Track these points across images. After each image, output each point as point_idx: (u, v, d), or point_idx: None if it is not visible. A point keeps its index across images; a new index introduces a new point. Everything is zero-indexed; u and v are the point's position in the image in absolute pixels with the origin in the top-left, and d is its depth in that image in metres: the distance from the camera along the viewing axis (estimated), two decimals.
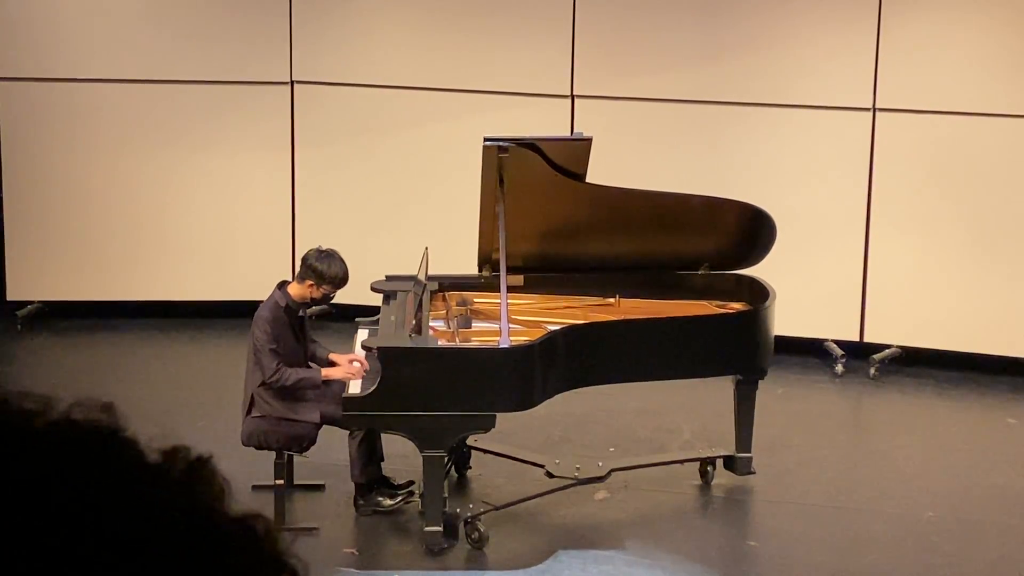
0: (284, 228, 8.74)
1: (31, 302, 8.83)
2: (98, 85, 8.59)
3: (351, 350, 6.30)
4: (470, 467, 6.66)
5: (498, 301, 5.95)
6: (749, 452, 6.54)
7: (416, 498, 6.19)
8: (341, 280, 6.01)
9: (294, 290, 6.03)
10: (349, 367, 6.01)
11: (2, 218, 8.79)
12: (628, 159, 8.12)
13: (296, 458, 6.29)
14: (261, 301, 6.10)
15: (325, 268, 5.96)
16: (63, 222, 8.73)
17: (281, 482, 6.02)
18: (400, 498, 6.23)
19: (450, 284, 6.64)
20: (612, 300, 6.60)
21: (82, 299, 8.80)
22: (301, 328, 6.10)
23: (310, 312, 6.42)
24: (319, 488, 6.44)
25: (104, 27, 8.56)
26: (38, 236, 8.75)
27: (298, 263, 6.27)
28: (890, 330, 8.23)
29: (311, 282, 5.97)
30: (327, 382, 6.10)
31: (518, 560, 5.85)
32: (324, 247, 6.08)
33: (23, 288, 8.81)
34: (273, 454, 6.00)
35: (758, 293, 6.55)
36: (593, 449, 6.91)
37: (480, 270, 6.58)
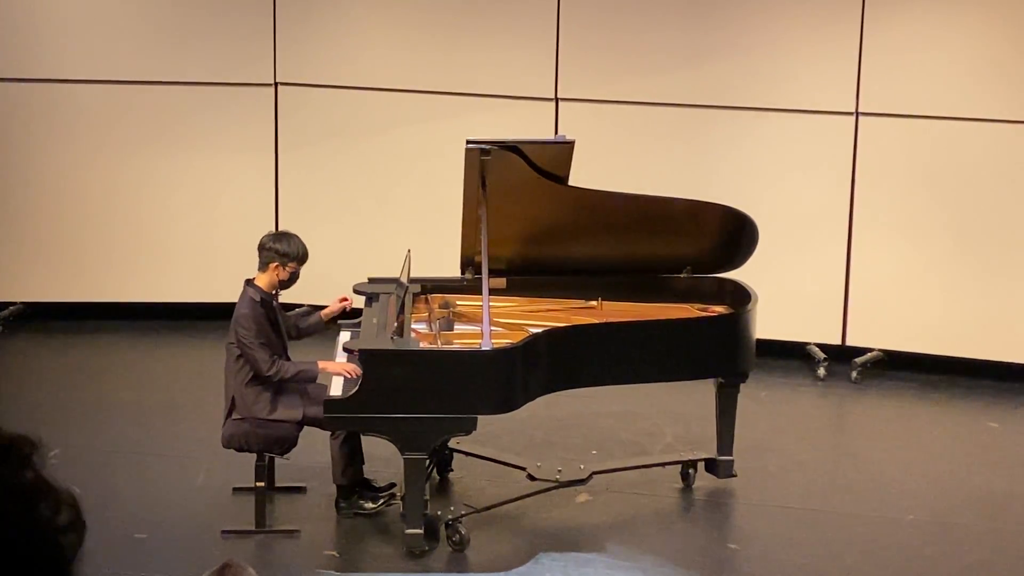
0: (267, 230, 8.67)
1: (13, 303, 8.81)
2: (80, 86, 8.57)
3: (333, 352, 6.29)
4: (452, 469, 6.66)
5: (480, 304, 5.95)
6: (731, 455, 6.55)
7: (397, 500, 6.18)
8: (304, 254, 6.06)
9: (262, 280, 6.04)
10: (346, 364, 6.01)
11: None
12: (611, 162, 8.13)
13: (277, 460, 6.28)
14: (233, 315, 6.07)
15: (285, 246, 6.01)
16: (45, 223, 8.71)
17: (262, 484, 6.02)
18: (382, 501, 6.22)
19: (432, 286, 6.64)
20: (594, 303, 6.61)
21: (64, 300, 8.78)
22: (277, 321, 6.11)
23: (291, 315, 6.41)
24: (300, 490, 6.43)
25: (86, 28, 8.54)
26: (19, 237, 8.73)
27: None
28: (872, 334, 8.25)
29: (276, 264, 6.00)
30: (308, 383, 6.11)
31: (499, 562, 5.85)
32: (273, 231, 6.11)
33: (4, 289, 8.79)
34: (254, 456, 5.99)
35: (740, 296, 6.57)
36: (575, 452, 6.92)
37: (462, 272, 6.58)
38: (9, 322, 8.74)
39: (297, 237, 6.09)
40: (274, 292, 6.09)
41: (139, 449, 6.91)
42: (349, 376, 5.91)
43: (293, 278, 6.08)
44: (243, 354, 5.91)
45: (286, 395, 5.99)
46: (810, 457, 7.06)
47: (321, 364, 6.02)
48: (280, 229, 6.19)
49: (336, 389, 5.89)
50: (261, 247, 6.07)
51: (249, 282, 6.06)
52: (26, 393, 7.68)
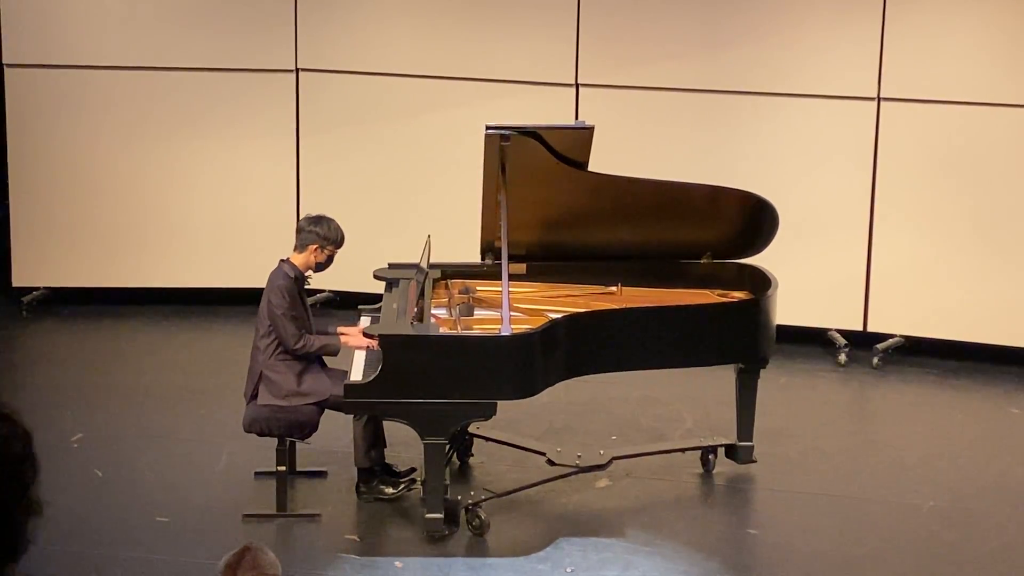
0: (288, 215, 8.75)
1: (36, 288, 8.86)
2: (104, 72, 8.60)
3: None
4: (472, 454, 6.68)
5: (500, 289, 5.96)
6: (751, 441, 6.55)
7: (418, 485, 6.21)
8: (342, 238, 6.17)
9: (297, 260, 6.10)
10: (361, 338, 6.07)
11: (8, 204, 8.82)
12: (631, 148, 8.12)
13: (298, 445, 6.31)
14: (265, 289, 6.13)
15: (325, 230, 6.09)
16: (69, 209, 8.75)
17: (283, 469, 6.04)
18: (402, 486, 6.25)
19: (452, 272, 6.65)
20: (614, 289, 6.61)
21: (87, 285, 8.83)
22: (305, 300, 6.17)
23: (312, 300, 6.45)
24: (321, 475, 6.47)
25: (110, 14, 8.58)
26: (44, 222, 8.78)
27: None
28: (893, 320, 8.23)
29: (315, 246, 6.07)
30: (328, 368, 6.14)
31: (519, 547, 5.86)
32: (311, 214, 6.17)
33: (28, 274, 8.84)
34: (275, 441, 6.02)
35: (760, 282, 6.56)
36: (595, 437, 6.93)
37: (482, 258, 6.59)
38: (33, 307, 8.79)
39: (335, 221, 6.16)
40: (307, 274, 6.16)
41: (161, 433, 6.96)
42: (372, 347, 5.94)
43: (329, 261, 6.17)
44: (273, 324, 5.95)
45: (312, 374, 6.03)
46: (830, 443, 7.05)
47: (342, 338, 6.07)
48: (317, 213, 6.22)
49: (357, 374, 5.91)
50: (300, 229, 6.14)
51: (284, 260, 6.12)
52: (49, 377, 7.73)
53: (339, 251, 6.19)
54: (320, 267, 6.18)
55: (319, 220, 6.14)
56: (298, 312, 6.03)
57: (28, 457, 1.40)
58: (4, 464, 1.34)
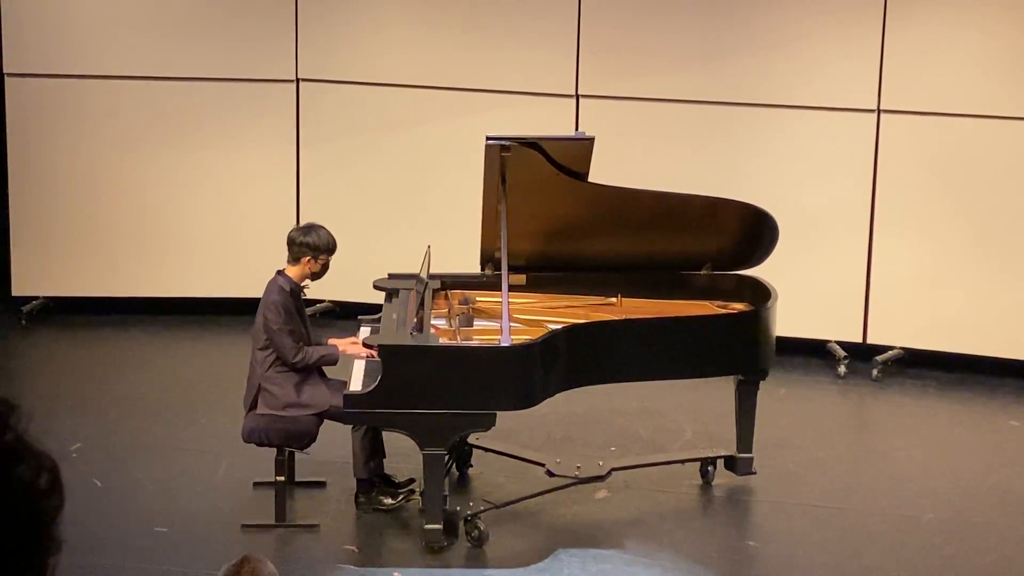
0: (288, 225, 8.64)
1: (36, 298, 8.85)
2: (104, 82, 8.61)
3: None
4: (471, 465, 6.68)
5: (500, 300, 5.96)
6: (750, 452, 6.55)
7: (417, 496, 6.20)
8: (334, 245, 6.15)
9: (293, 272, 6.10)
10: (358, 346, 6.07)
11: (8, 213, 8.82)
12: (631, 159, 8.12)
13: (297, 455, 6.31)
14: (260, 302, 6.12)
15: (315, 239, 6.08)
16: (69, 218, 8.75)
17: (282, 479, 6.04)
18: (401, 496, 6.25)
19: (452, 282, 6.65)
20: (614, 299, 6.61)
21: (87, 295, 8.82)
22: (303, 311, 6.17)
23: (312, 311, 6.46)
24: (320, 485, 6.46)
25: (111, 24, 8.58)
26: (44, 232, 8.77)
27: None
28: (893, 332, 8.23)
29: (308, 258, 6.07)
30: (328, 379, 6.13)
31: (518, 558, 5.86)
32: (300, 224, 6.18)
33: (28, 283, 8.84)
34: (274, 451, 6.02)
35: (760, 293, 6.56)
36: (594, 448, 6.92)
37: (482, 269, 6.60)
38: (32, 316, 8.78)
39: (324, 228, 6.15)
40: (303, 284, 6.15)
41: (160, 443, 6.95)
42: (371, 357, 5.93)
43: (324, 269, 6.17)
44: (270, 339, 5.95)
45: (311, 384, 6.03)
46: (830, 455, 7.05)
47: (341, 347, 6.06)
48: (306, 222, 6.24)
49: (356, 384, 5.91)
50: (291, 242, 6.13)
51: (280, 272, 6.13)
52: (48, 387, 7.72)
53: (333, 257, 6.18)
54: (316, 276, 6.18)
55: (308, 231, 6.13)
56: (295, 326, 6.02)
57: (53, 491, 1.33)
58: (28, 501, 1.28)
